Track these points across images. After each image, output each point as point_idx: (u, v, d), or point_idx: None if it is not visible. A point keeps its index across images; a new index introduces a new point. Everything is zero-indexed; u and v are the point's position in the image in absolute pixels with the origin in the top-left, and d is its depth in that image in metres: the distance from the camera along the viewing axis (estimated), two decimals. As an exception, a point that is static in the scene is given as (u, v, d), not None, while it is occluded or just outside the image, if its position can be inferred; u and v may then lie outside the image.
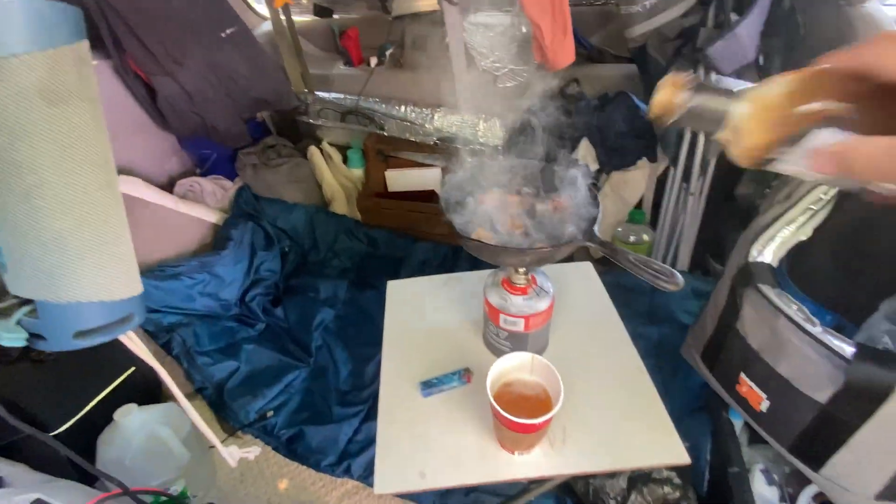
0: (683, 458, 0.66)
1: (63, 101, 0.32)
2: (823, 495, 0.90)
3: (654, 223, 1.49)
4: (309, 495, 1.08)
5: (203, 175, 1.76)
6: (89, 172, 0.34)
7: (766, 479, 0.92)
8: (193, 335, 1.28)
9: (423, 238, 1.72)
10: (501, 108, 1.59)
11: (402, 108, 1.72)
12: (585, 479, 0.92)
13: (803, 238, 0.70)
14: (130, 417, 0.94)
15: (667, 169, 1.39)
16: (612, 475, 0.88)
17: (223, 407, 1.18)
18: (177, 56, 1.42)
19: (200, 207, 1.61)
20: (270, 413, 1.16)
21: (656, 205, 1.48)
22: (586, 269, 0.99)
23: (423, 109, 1.70)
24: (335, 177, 1.85)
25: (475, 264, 1.03)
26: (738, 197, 1.31)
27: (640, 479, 0.86)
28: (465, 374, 0.80)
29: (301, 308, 1.47)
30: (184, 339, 1.26)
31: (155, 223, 1.47)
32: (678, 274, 0.51)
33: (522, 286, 0.74)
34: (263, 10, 1.97)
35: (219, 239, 1.56)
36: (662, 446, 0.68)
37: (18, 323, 0.37)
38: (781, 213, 0.68)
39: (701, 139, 1.25)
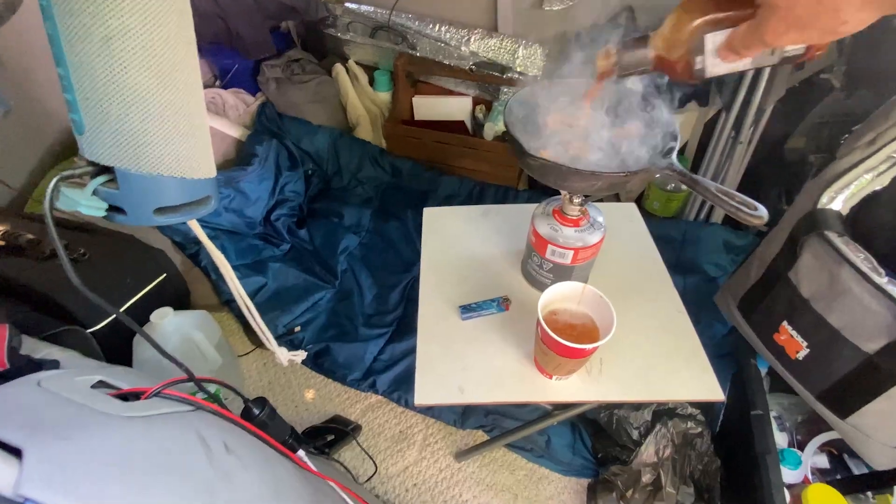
0: (718, 395, 0.68)
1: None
2: (829, 444, 0.94)
3: (695, 170, 1.44)
4: (334, 406, 1.13)
5: (224, 87, 1.68)
6: (174, 22, 0.31)
7: (778, 424, 0.96)
8: (221, 249, 1.27)
9: (449, 172, 1.67)
10: (545, 33, 1.48)
11: (437, 27, 1.60)
12: (610, 410, 0.95)
13: (878, 188, 0.66)
14: (166, 320, 0.96)
15: (717, 114, 1.32)
16: (638, 407, 0.91)
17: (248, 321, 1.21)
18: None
19: (223, 120, 1.55)
20: (298, 328, 1.19)
21: (700, 151, 1.41)
22: (631, 209, 0.97)
23: (460, 30, 1.58)
24: (361, 99, 1.77)
25: (502, 202, 1.00)
26: (788, 151, 1.25)
27: (665, 412, 0.89)
28: (503, 302, 0.80)
29: (326, 232, 1.46)
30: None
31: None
32: (762, 207, 0.48)
33: (575, 217, 0.72)
34: None
35: (244, 155, 1.51)
36: (698, 382, 0.69)
37: (95, 193, 0.35)
38: (862, 158, 0.64)
39: (762, 84, 1.17)
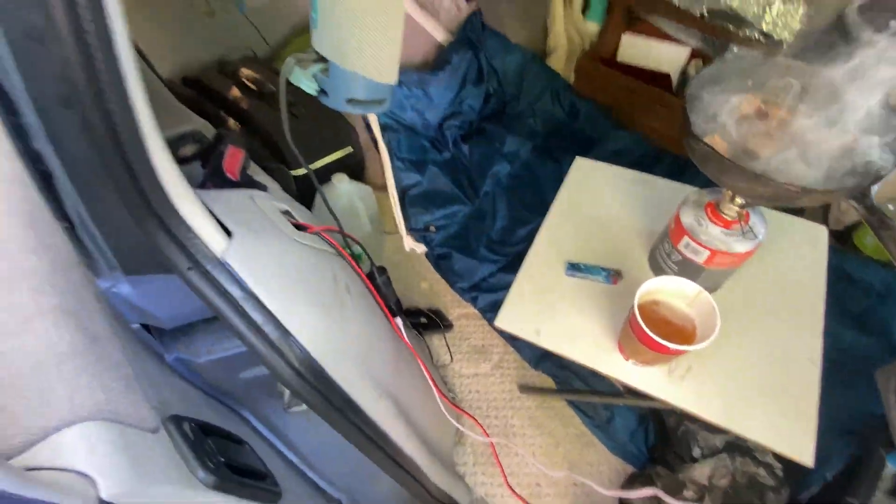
0: (806, 458, 0.61)
1: None
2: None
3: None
4: (438, 301, 1.31)
5: (444, -12, 1.76)
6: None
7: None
8: (396, 142, 1.46)
9: (629, 126, 1.54)
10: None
11: (683, -43, 1.37)
12: (682, 418, 0.92)
13: None
14: (341, 184, 1.19)
15: None
16: (713, 430, 0.86)
17: (401, 208, 1.40)
18: None
19: (434, 22, 1.65)
20: (433, 228, 1.35)
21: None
22: (818, 233, 0.81)
23: (709, -34, 1.33)
24: (566, 25, 1.67)
25: (673, 176, 0.92)
26: None
27: (738, 447, 0.83)
28: (613, 276, 0.80)
29: (484, 152, 1.53)
30: (388, 141, 1.46)
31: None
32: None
33: (730, 219, 0.65)
34: None
35: (439, 60, 1.62)
36: (791, 436, 0.63)
37: (314, 76, 0.47)
38: None
39: None
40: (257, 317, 0.47)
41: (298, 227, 0.63)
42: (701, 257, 0.68)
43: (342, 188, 1.18)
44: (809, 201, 0.50)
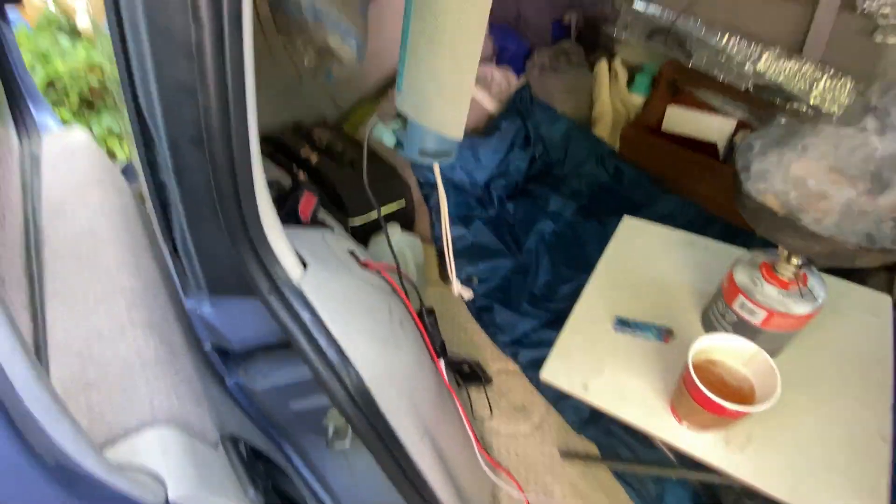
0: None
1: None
2: None
3: None
4: (478, 353, 1.30)
5: (497, 63, 1.93)
6: (476, 36, 0.45)
7: None
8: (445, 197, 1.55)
9: (676, 192, 1.56)
10: (865, 67, 1.19)
11: (725, 37, 1.45)
12: (742, 495, 0.84)
13: None
14: (394, 233, 1.27)
15: None
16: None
17: (444, 259, 1.46)
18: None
19: (485, 94, 1.80)
20: (476, 279, 1.38)
21: None
22: (881, 301, 0.77)
23: (751, 44, 1.40)
24: (612, 97, 1.77)
25: (725, 240, 0.91)
26: None
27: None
28: (665, 334, 0.78)
29: (528, 210, 1.59)
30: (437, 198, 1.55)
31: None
32: None
33: (786, 280, 0.64)
34: None
35: (489, 126, 1.74)
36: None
37: (394, 131, 0.54)
38: None
39: None
40: (322, 341, 0.51)
41: (361, 265, 0.68)
42: (758, 318, 0.67)
43: (395, 237, 1.25)
44: (866, 261, 0.49)
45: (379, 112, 1.68)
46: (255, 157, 0.43)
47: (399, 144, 0.54)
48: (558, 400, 1.16)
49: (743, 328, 0.69)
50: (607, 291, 0.86)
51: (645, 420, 0.69)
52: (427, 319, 0.75)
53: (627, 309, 0.82)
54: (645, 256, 0.92)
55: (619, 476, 1.03)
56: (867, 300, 0.78)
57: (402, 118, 0.53)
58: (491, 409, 1.17)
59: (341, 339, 0.52)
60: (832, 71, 1.23)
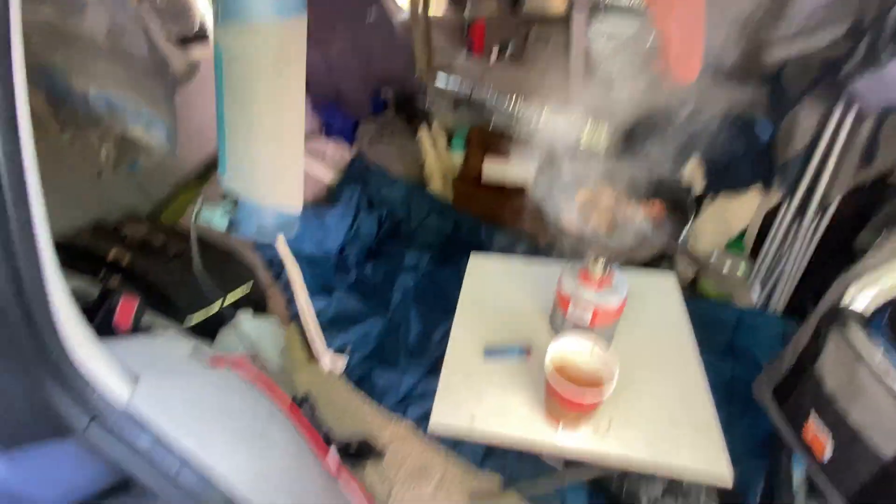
0: (723, 476, 0.67)
1: (288, 59, 0.46)
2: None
3: (754, 256, 1.41)
4: (366, 425, 1.23)
5: (328, 137, 2.00)
6: (294, 112, 0.48)
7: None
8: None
9: (506, 230, 1.79)
10: (612, 114, 1.60)
11: (513, 102, 1.80)
12: (621, 479, 0.94)
13: (911, 292, 0.66)
14: (246, 322, 1.15)
15: (781, 201, 1.31)
16: (649, 480, 0.89)
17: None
18: (327, 32, 1.63)
19: (322, 166, 1.84)
20: (348, 348, 1.33)
21: (760, 238, 1.39)
22: (669, 279, 1.00)
23: (532, 105, 1.76)
24: (437, 158, 1.99)
25: (554, 258, 1.09)
26: (858, 246, 1.20)
27: (676, 491, 0.87)
28: (527, 351, 0.87)
29: (387, 269, 1.63)
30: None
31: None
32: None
33: (598, 279, 0.79)
34: (403, 1, 2.15)
35: (331, 195, 1.77)
36: (706, 458, 0.70)
37: (225, 214, 0.52)
38: (888, 259, 0.65)
39: (826, 175, 1.16)
40: (172, 463, 0.43)
41: (208, 365, 0.60)
42: (587, 318, 0.80)
43: (246, 324, 1.14)
44: (642, 254, 0.65)
45: (203, 196, 1.55)
46: (48, 269, 0.37)
47: (232, 226, 0.52)
48: (455, 444, 1.17)
49: (579, 329, 0.82)
50: (472, 326, 0.93)
51: (529, 434, 0.74)
52: (303, 407, 0.70)
53: (492, 336, 0.90)
54: (495, 286, 1.02)
55: (527, 500, 1.07)
56: (659, 281, 1.00)
57: (231, 199, 0.51)
58: (390, 483, 1.11)
59: (197, 453, 0.45)
60: (592, 120, 1.62)
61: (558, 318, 0.86)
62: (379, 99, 2.05)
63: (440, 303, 1.52)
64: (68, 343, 0.40)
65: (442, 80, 1.93)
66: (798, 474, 0.88)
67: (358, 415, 1.27)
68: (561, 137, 1.68)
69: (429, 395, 1.25)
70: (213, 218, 0.51)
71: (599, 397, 0.65)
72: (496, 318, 0.94)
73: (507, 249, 1.72)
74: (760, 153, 1.30)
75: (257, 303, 1.39)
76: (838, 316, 0.67)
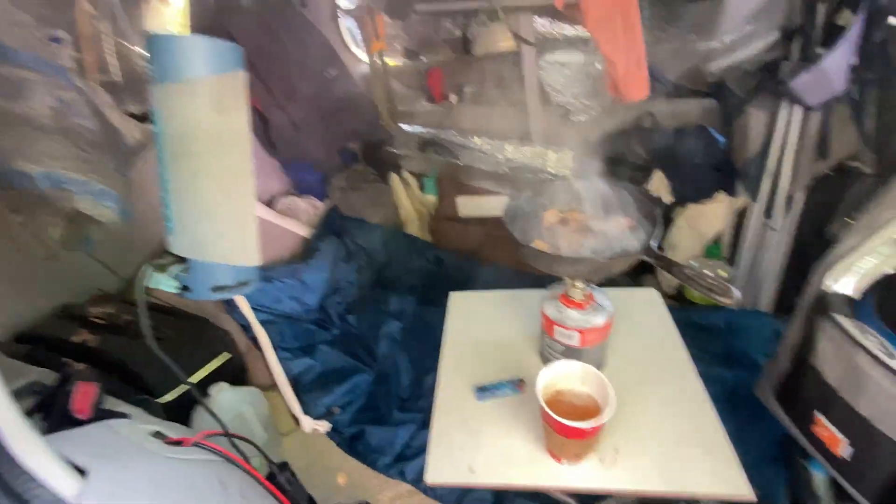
0: (743, 490, 0.63)
1: (227, 112, 0.45)
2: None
3: (731, 258, 1.42)
4: (364, 491, 1.14)
5: (299, 194, 2.00)
6: (239, 164, 0.46)
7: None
8: (278, 332, 1.43)
9: (488, 262, 1.78)
10: (573, 140, 1.65)
11: (477, 139, 1.84)
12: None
13: (891, 271, 0.66)
14: (222, 395, 1.09)
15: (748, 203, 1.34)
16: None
17: (297, 398, 1.30)
18: (289, 93, 1.67)
19: (295, 222, 1.82)
20: (337, 409, 1.26)
21: (737, 240, 1.41)
22: (651, 294, 0.99)
23: (496, 141, 1.80)
24: (411, 201, 2.00)
25: (535, 287, 1.06)
26: (830, 235, 1.22)
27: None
28: (518, 384, 0.83)
29: (372, 318, 1.58)
30: (269, 336, 1.42)
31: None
32: (733, 289, 0.52)
33: (579, 301, 0.77)
34: (362, 55, 2.24)
35: (307, 250, 1.74)
36: (721, 477, 0.65)
37: (175, 276, 0.49)
38: (860, 242, 0.64)
39: (785, 174, 1.20)
40: (126, 567, 0.38)
41: (175, 443, 0.55)
42: (575, 340, 0.77)
43: (224, 397, 1.07)
44: (619, 266, 0.64)
45: (151, 262, 1.51)
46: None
47: (186, 288, 0.49)
48: (463, 496, 1.09)
49: (570, 353, 0.79)
50: (459, 367, 0.89)
51: (532, 476, 0.69)
52: (281, 477, 0.64)
53: (482, 375, 0.86)
54: (479, 323, 0.99)
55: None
56: (643, 296, 0.99)
57: (181, 260, 0.49)
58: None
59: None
60: (555, 147, 1.66)
61: (546, 344, 0.83)
62: (347, 151, 2.08)
63: (431, 345, 1.47)
64: (5, 444, 0.36)
65: (407, 127, 1.98)
66: (820, 473, 0.84)
67: (354, 479, 1.18)
68: (527, 165, 1.72)
69: (424, 449, 1.17)
70: (162, 282, 0.48)
71: (598, 421, 0.61)
72: (484, 355, 0.91)
73: (493, 282, 1.70)
74: (720, 160, 1.34)
75: (236, 371, 1.32)
76: (823, 303, 0.65)
